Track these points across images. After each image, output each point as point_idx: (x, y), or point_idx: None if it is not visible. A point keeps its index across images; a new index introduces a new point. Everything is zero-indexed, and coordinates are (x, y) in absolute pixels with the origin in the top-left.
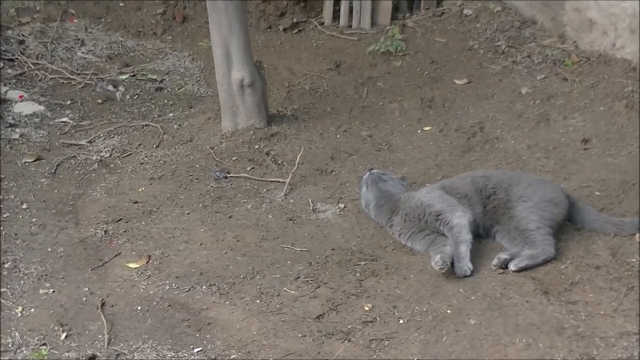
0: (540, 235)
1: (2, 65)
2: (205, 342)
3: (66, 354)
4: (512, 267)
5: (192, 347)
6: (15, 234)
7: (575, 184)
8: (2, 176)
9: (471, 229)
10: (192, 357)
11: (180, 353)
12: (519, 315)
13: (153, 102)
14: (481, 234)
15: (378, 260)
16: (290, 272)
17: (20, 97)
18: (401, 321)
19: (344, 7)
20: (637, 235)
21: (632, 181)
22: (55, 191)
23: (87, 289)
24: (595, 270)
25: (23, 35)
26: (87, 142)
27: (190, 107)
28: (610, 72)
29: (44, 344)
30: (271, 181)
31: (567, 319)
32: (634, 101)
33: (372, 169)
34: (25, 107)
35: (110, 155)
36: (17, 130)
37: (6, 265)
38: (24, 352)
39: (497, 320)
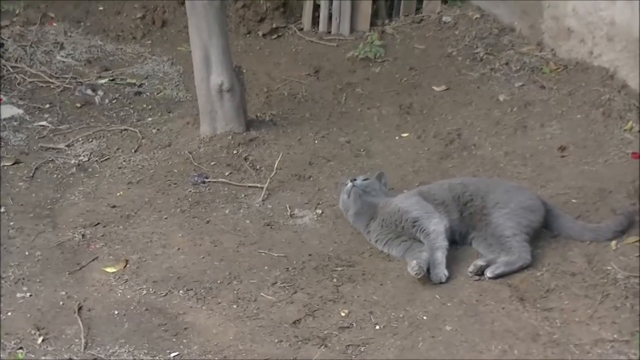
0: (516, 242)
1: None
2: (182, 346)
3: (43, 357)
4: (488, 273)
5: (168, 351)
6: None
7: (552, 191)
8: None
9: (447, 235)
10: None
11: (157, 357)
12: (494, 321)
13: (132, 106)
14: (457, 241)
15: (355, 266)
16: (268, 278)
17: None
18: (377, 327)
19: (323, 13)
20: (613, 242)
21: (608, 189)
22: (33, 195)
23: (64, 293)
24: (571, 277)
25: (2, 38)
26: (66, 146)
27: (169, 112)
28: (587, 79)
29: (21, 348)
30: (249, 186)
31: (543, 326)
32: (611, 109)
33: (354, 179)
34: (3, 111)
35: (89, 159)
36: None
37: None
38: (1, 355)
39: (473, 327)
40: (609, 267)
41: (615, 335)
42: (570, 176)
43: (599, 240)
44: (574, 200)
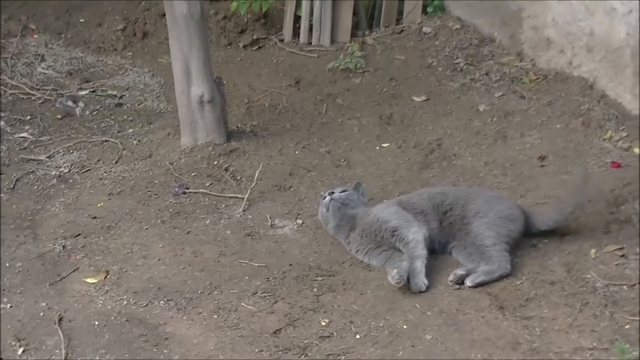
0: (496, 251)
1: None
2: (162, 357)
3: None
4: (468, 282)
5: None
6: None
7: (531, 200)
8: None
9: (427, 244)
10: None
11: None
12: (474, 330)
13: (113, 117)
14: (437, 250)
15: (335, 276)
16: (248, 288)
17: None
18: (358, 336)
19: (304, 24)
20: (593, 251)
21: (587, 198)
22: (14, 206)
23: (44, 304)
24: (551, 286)
25: None
26: (46, 157)
27: (150, 123)
28: (567, 89)
29: (1, 359)
30: (230, 197)
31: (522, 335)
32: (590, 118)
33: (332, 192)
34: None
35: (69, 170)
36: None
37: None
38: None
39: (453, 336)
40: (588, 276)
41: (594, 343)
42: (550, 185)
43: (580, 204)
44: None
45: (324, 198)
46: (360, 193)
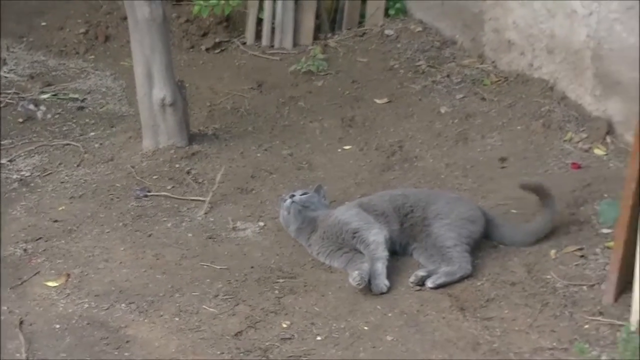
0: (457, 252)
1: None
2: None
3: None
4: (429, 284)
5: None
6: None
7: (492, 202)
8: None
9: (387, 246)
10: None
11: None
12: (435, 331)
13: (74, 121)
14: (398, 252)
15: (297, 278)
16: (210, 290)
17: None
18: (319, 338)
19: (266, 27)
20: (552, 251)
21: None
22: None
23: (5, 307)
24: (511, 286)
25: None
26: (8, 161)
27: (112, 126)
28: (527, 91)
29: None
30: (191, 200)
31: (483, 335)
32: (550, 120)
33: (293, 195)
34: None
35: (31, 174)
36: None
37: None
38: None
39: (414, 337)
40: (548, 276)
41: (554, 344)
42: (511, 187)
43: (540, 236)
44: (514, 211)
45: (285, 201)
46: (321, 195)
